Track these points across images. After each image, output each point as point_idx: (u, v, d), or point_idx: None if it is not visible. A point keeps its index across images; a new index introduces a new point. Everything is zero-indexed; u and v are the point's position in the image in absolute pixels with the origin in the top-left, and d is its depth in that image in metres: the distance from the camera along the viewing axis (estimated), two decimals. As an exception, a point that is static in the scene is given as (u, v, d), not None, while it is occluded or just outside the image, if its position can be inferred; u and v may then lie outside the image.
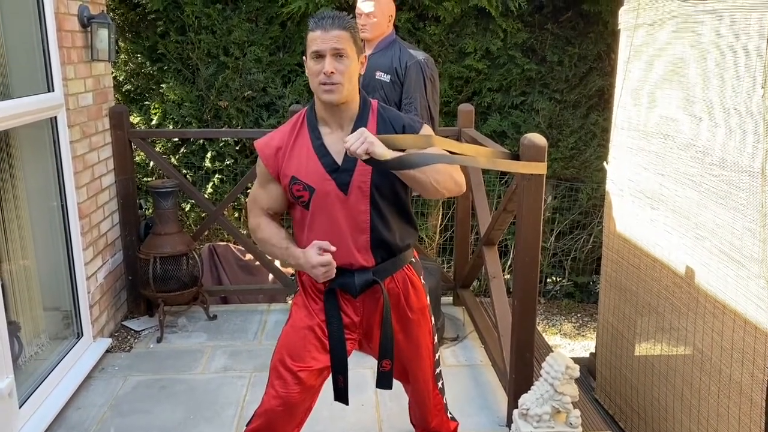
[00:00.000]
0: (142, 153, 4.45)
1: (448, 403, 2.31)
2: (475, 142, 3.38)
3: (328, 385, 2.05)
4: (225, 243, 4.65)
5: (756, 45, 2.08)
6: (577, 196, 5.31)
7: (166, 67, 4.87)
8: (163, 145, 5.00)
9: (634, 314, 2.95)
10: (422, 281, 2.10)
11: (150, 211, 4.41)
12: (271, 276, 4.25)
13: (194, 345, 3.52)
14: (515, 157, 2.29)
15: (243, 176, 4.57)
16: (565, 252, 5.45)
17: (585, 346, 4.93)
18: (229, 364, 3.31)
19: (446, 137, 3.68)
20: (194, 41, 4.75)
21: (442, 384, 2.24)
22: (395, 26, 3.47)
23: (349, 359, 2.03)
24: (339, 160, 1.88)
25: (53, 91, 3.00)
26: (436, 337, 2.16)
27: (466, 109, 3.76)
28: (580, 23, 5.00)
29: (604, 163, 3.24)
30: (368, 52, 3.27)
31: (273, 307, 4.06)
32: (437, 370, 2.20)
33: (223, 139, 4.90)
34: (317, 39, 1.79)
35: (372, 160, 1.73)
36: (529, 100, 5.06)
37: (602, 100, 5.13)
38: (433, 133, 1.96)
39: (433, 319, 2.15)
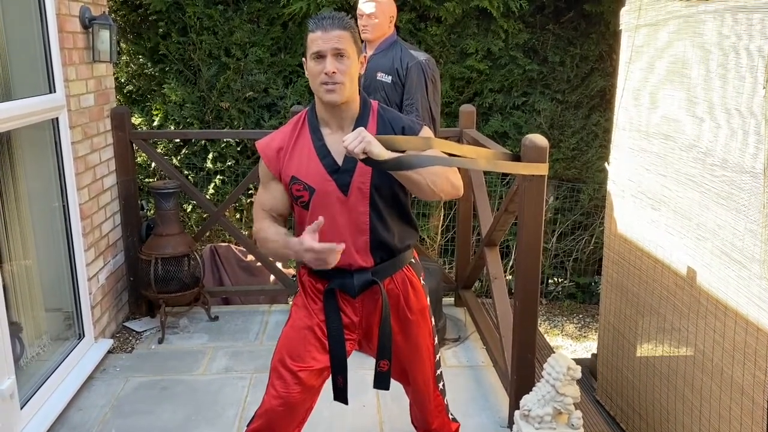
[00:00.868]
0: (143, 154, 4.45)
1: (449, 404, 2.31)
2: (476, 143, 3.38)
3: (328, 386, 2.05)
4: (226, 244, 4.65)
5: (758, 45, 2.08)
6: (579, 196, 5.30)
7: (167, 68, 4.87)
8: (164, 146, 5.00)
9: (636, 315, 2.95)
10: (422, 282, 2.10)
11: (151, 212, 4.42)
12: (272, 277, 4.25)
13: (195, 346, 3.52)
14: (516, 158, 2.29)
15: (244, 177, 4.58)
16: (566, 253, 5.44)
17: (587, 347, 4.93)
18: (230, 364, 3.31)
19: (447, 138, 3.70)
20: (196, 42, 4.76)
21: (443, 385, 2.24)
22: (396, 27, 3.47)
23: (350, 360, 2.03)
24: (340, 161, 1.88)
25: (55, 92, 3.00)
26: (436, 338, 2.16)
27: (467, 109, 3.76)
28: (582, 24, 4.99)
29: (606, 164, 3.23)
30: (369, 53, 3.27)
31: (274, 308, 4.06)
32: (438, 372, 2.19)
33: (224, 140, 4.91)
34: (318, 39, 1.79)
35: (369, 160, 1.73)
36: (530, 101, 5.06)
37: (604, 101, 5.13)
38: (433, 135, 1.96)
39: (433, 320, 2.15)
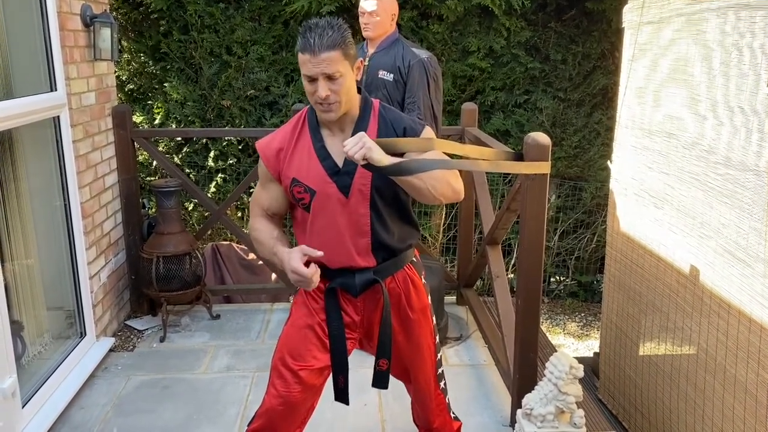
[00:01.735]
0: (145, 152, 4.45)
1: (451, 403, 2.30)
2: (478, 141, 3.37)
3: (330, 386, 2.04)
4: (228, 242, 4.65)
5: (761, 43, 2.07)
6: (581, 195, 5.29)
7: (168, 66, 4.87)
8: (166, 145, 5.00)
9: (638, 314, 2.94)
10: (423, 281, 2.09)
11: (153, 210, 4.41)
12: (274, 275, 4.25)
13: (197, 344, 3.52)
14: (519, 156, 2.27)
15: (246, 175, 4.57)
16: (568, 251, 5.43)
17: (589, 345, 4.92)
18: (232, 363, 3.31)
19: (449, 137, 3.70)
20: (197, 40, 4.75)
21: (445, 384, 2.23)
22: (398, 25, 3.46)
23: (351, 359, 2.02)
24: (340, 163, 1.87)
25: (56, 90, 3.00)
26: (437, 337, 2.15)
27: (469, 108, 3.75)
28: (584, 21, 4.98)
29: (608, 162, 3.23)
30: (371, 50, 3.26)
31: (276, 307, 4.06)
32: (439, 371, 2.19)
33: (225, 138, 4.90)
34: (307, 62, 1.73)
35: (370, 165, 1.72)
36: (532, 99, 5.05)
37: (606, 99, 5.12)
38: (434, 136, 1.95)
39: (434, 319, 2.14)
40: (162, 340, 3.54)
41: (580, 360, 2.34)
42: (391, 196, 1.91)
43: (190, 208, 5.07)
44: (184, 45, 4.80)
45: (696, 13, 2.45)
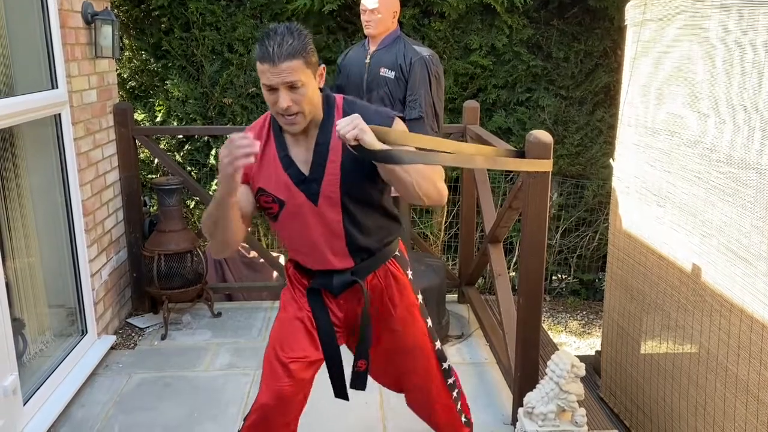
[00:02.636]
0: (146, 150, 4.45)
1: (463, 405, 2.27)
2: (480, 139, 3.36)
3: (330, 385, 2.04)
4: (229, 240, 4.64)
5: (764, 40, 2.06)
6: (583, 193, 5.29)
7: (170, 64, 4.87)
8: (167, 142, 5.00)
9: (640, 312, 2.93)
10: (408, 277, 2.04)
11: (154, 208, 4.41)
12: (275, 273, 4.25)
13: (198, 342, 3.52)
14: (521, 154, 2.27)
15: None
16: (570, 249, 5.43)
17: (590, 343, 4.91)
18: (233, 361, 3.31)
19: (451, 135, 3.69)
20: (198, 38, 4.75)
21: (458, 393, 2.18)
22: (400, 22, 3.46)
23: (348, 356, 2.02)
24: (305, 170, 1.81)
25: (57, 88, 3.00)
26: (437, 342, 2.11)
27: (471, 105, 3.74)
28: (586, 19, 4.97)
29: (610, 160, 3.22)
30: (373, 48, 3.25)
31: (277, 304, 3.99)
32: (450, 381, 2.14)
33: (227, 136, 4.88)
34: (266, 72, 1.65)
35: (359, 148, 1.67)
36: (534, 97, 5.04)
37: (608, 97, 5.11)
38: (405, 128, 1.88)
39: (429, 320, 2.09)
40: (163, 337, 3.54)
41: (582, 358, 2.33)
42: (363, 198, 1.85)
43: (191, 206, 5.07)
44: (186, 42, 4.80)
45: (699, 10, 2.44)
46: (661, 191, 2.73)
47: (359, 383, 2.03)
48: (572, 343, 4.98)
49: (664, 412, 2.75)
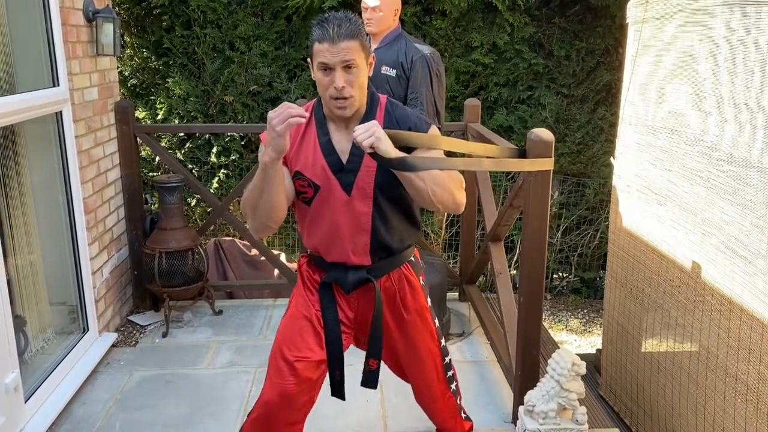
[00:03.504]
0: (147, 148, 4.45)
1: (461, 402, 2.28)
2: (481, 137, 3.36)
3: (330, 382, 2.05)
4: (230, 238, 4.65)
5: (767, 39, 2.06)
6: (584, 191, 5.28)
7: (171, 62, 4.86)
8: (168, 140, 5.00)
9: (640, 311, 2.93)
10: (421, 282, 2.06)
11: (155, 206, 4.42)
12: (276, 271, 4.25)
13: (200, 340, 3.52)
14: (522, 153, 2.27)
15: (248, 171, 4.57)
16: (571, 248, 5.43)
17: (591, 342, 4.91)
18: (234, 359, 3.31)
19: (452, 133, 3.69)
20: (200, 36, 4.75)
21: (456, 386, 2.21)
22: (401, 20, 3.45)
23: (352, 355, 2.02)
24: (344, 159, 1.85)
25: (58, 85, 3.00)
26: (442, 340, 2.13)
27: (472, 103, 3.74)
28: (588, 17, 4.96)
29: (611, 159, 3.22)
30: (374, 46, 3.25)
31: (278, 302, 4.06)
32: (449, 374, 2.16)
33: (228, 134, 4.90)
34: (325, 51, 1.71)
35: (375, 155, 1.71)
36: (535, 95, 5.03)
37: (610, 95, 5.10)
38: (439, 134, 1.93)
39: (437, 322, 2.11)
40: (164, 335, 3.55)
41: (583, 357, 2.33)
42: (395, 195, 1.89)
43: (192, 204, 5.07)
44: (187, 40, 4.80)
45: (701, 8, 2.43)
46: (661, 190, 2.73)
47: (370, 382, 2.04)
48: (573, 342, 4.98)
49: (664, 410, 2.75)
